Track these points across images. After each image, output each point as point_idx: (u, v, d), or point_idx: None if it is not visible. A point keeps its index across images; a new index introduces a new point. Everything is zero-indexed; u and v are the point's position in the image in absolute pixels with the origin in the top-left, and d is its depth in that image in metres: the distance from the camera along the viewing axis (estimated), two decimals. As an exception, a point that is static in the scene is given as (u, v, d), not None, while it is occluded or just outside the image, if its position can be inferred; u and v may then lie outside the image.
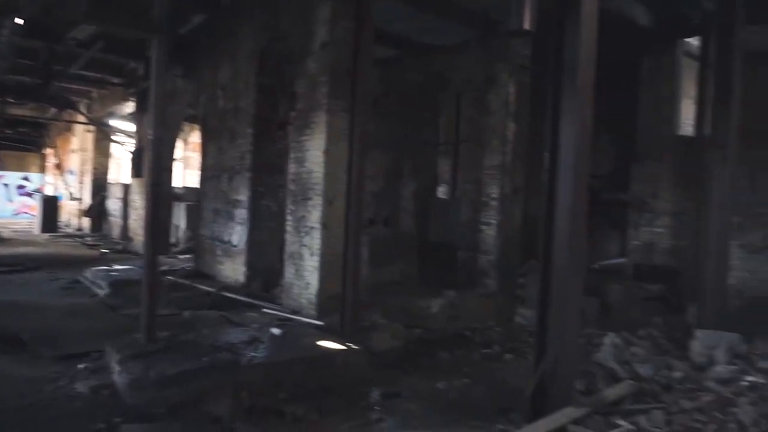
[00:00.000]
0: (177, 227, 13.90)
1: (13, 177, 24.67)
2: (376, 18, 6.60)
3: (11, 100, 13.16)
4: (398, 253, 9.04)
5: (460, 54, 9.79)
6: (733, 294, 7.78)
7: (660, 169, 10.34)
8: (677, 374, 4.82)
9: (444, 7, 8.50)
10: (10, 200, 24.49)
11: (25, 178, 25.02)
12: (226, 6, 9.61)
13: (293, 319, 6.59)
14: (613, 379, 4.81)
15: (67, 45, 10.83)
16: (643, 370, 4.80)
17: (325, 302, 6.74)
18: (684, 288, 9.50)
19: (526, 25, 7.22)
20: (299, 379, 4.83)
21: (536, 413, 4.18)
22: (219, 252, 9.47)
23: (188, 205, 13.79)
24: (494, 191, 8.94)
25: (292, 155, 7.56)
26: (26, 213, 23.64)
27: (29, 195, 24.46)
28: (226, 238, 9.26)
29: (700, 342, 5.69)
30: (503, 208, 8.89)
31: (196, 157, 21.50)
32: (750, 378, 4.40)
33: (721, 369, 4.88)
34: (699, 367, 5.25)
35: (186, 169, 20.94)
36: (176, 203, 14.03)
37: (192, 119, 18.12)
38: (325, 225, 6.82)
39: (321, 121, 6.94)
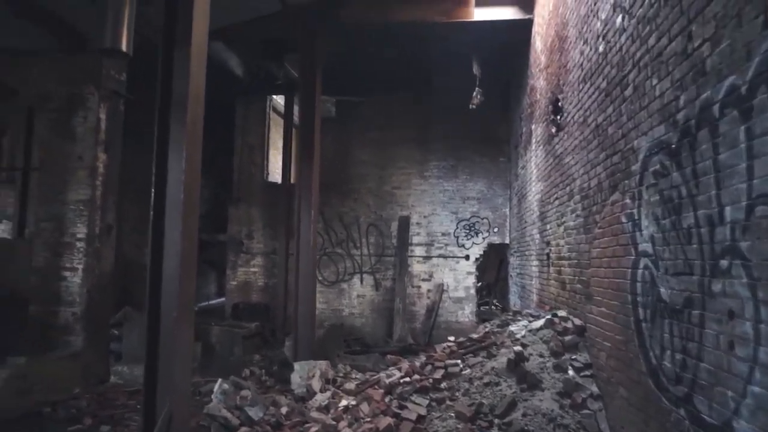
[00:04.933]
0: None
1: None
2: None
3: None
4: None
5: (36, 64, 8.18)
6: (317, 324, 8.82)
7: (254, 212, 11.06)
8: (284, 410, 4.99)
9: None
10: None
11: None
12: None
13: None
14: (227, 429, 4.61)
15: None
16: (254, 412, 4.78)
17: None
18: (277, 322, 10.31)
19: (123, 47, 6.64)
20: None
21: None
22: None
23: None
24: (81, 230, 7.69)
25: None
26: None
27: None
28: None
29: (297, 373, 6.12)
30: (92, 250, 7.71)
31: None
32: (344, 402, 4.94)
33: (319, 397, 5.33)
34: (301, 398, 5.61)
35: None
36: None
37: None
38: None
39: None
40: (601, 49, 4.14)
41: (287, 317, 10.24)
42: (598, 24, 4.20)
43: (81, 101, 7.92)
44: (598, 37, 4.21)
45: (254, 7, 8.17)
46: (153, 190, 4.17)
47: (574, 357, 4.10)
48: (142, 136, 8.72)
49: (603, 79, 4.05)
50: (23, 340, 7.53)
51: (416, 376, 4.78)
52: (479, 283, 10.54)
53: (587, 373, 3.93)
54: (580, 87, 4.76)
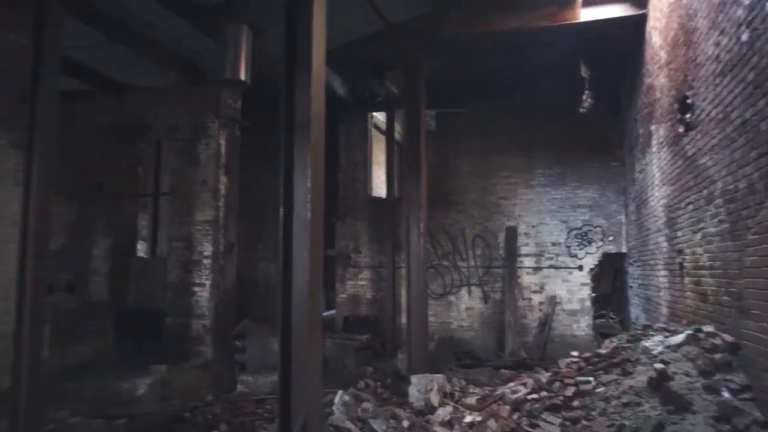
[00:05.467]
0: None
1: None
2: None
3: None
4: (88, 327, 7.40)
5: (164, 98, 9.00)
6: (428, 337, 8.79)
7: (359, 227, 11.32)
8: (405, 423, 5.02)
9: (145, 43, 7.68)
10: None
11: None
12: None
13: None
14: (352, 440, 4.71)
15: None
16: (377, 425, 4.84)
17: (-21, 406, 4.91)
18: (386, 335, 10.42)
19: (242, 76, 7.11)
20: None
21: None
22: None
23: None
24: (207, 248, 8.28)
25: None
26: None
27: None
28: None
29: (414, 387, 6.13)
30: (217, 267, 8.28)
31: None
32: (468, 418, 4.87)
33: (441, 412, 5.30)
34: (420, 412, 5.61)
35: None
36: None
37: None
38: (-18, 297, 5.06)
39: (-24, 158, 5.26)
40: (744, 38, 3.78)
41: (396, 330, 10.33)
42: (740, 11, 3.85)
43: (203, 129, 8.59)
44: (740, 25, 3.85)
45: (357, 29, 8.45)
46: (282, 209, 4.38)
47: (728, 377, 3.73)
48: (250, 159, 9.31)
49: (750, 71, 3.69)
50: (162, 350, 8.23)
51: (544, 393, 4.60)
52: (594, 295, 9.99)
53: (746, 396, 3.55)
54: (717, 81, 4.38)
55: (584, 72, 8.48)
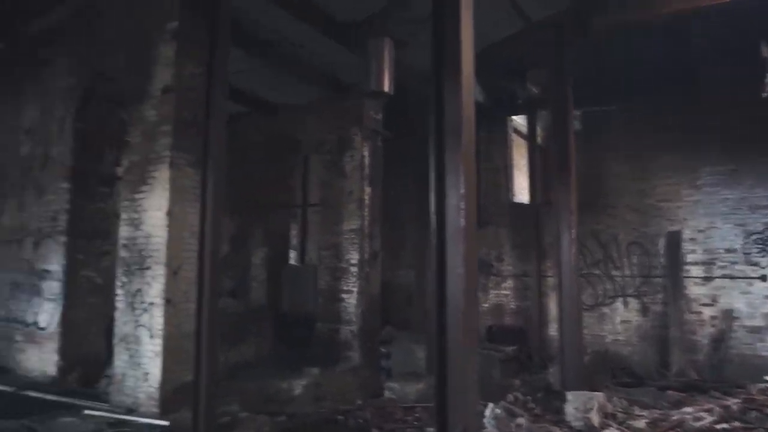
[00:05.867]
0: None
1: None
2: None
3: None
4: (250, 329, 8.04)
5: (311, 114, 9.53)
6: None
7: (501, 234, 10.99)
8: (566, 443, 4.70)
9: (292, 62, 8.19)
10: None
11: None
12: (33, 35, 8.11)
13: (128, 421, 5.25)
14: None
15: None
16: (535, 443, 4.60)
17: (171, 395, 5.53)
18: (533, 346, 9.96)
19: (385, 88, 7.26)
20: None
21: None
22: (19, 337, 7.48)
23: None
24: (353, 257, 8.57)
25: (124, 216, 6.32)
26: None
27: None
28: (29, 320, 7.37)
29: (571, 404, 5.74)
30: (363, 275, 8.54)
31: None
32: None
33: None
34: (581, 432, 5.24)
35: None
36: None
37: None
38: (168, 300, 5.70)
39: (162, 176, 5.94)
40: None
41: (544, 342, 9.83)
42: None
43: (348, 142, 8.93)
44: None
45: (497, 32, 8.21)
46: (434, 217, 4.33)
47: None
48: (388, 167, 9.47)
49: None
50: (313, 354, 8.67)
51: (737, 424, 4.00)
52: (782, 309, 8.61)
53: None
54: None
55: (766, 52, 7.41)
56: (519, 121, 12.08)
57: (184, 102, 6.08)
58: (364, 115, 8.82)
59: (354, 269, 8.52)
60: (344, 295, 8.55)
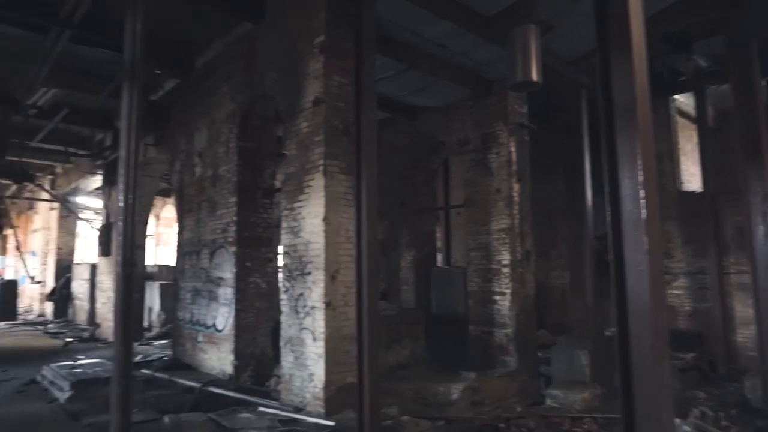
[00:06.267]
0: (150, 309, 12.63)
1: (-31, 261, 23.44)
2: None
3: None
4: (403, 331, 8.06)
5: (454, 114, 9.37)
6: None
7: (669, 227, 9.85)
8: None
9: (434, 64, 8.08)
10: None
11: (-17, 262, 23.68)
12: (199, 68, 9.02)
13: (298, 420, 5.50)
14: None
15: (26, 115, 10.01)
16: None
17: (334, 396, 5.70)
18: (715, 354, 8.75)
19: (534, 77, 6.82)
20: None
21: None
22: (201, 338, 8.32)
23: (162, 284, 12.63)
24: (505, 257, 8.22)
25: (284, 225, 6.69)
26: (-16, 300, 22.02)
27: (-12, 279, 23.08)
28: (209, 322, 8.15)
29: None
30: (516, 276, 8.14)
31: (168, 233, 20.44)
32: None
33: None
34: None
35: (158, 246, 19.79)
36: (149, 283, 12.85)
37: (163, 193, 17.27)
38: (328, 303, 5.89)
39: (318, 184, 6.18)
40: None
41: (730, 349, 8.58)
42: None
43: (493, 138, 8.61)
44: None
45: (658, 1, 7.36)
46: (609, 208, 3.90)
47: None
48: (533, 162, 8.93)
49: None
50: (466, 357, 8.47)
51: None
52: None
53: None
54: None
55: None
56: (682, 100, 10.78)
57: (334, 112, 6.28)
58: (508, 109, 8.46)
59: (506, 270, 8.16)
60: (497, 297, 8.23)
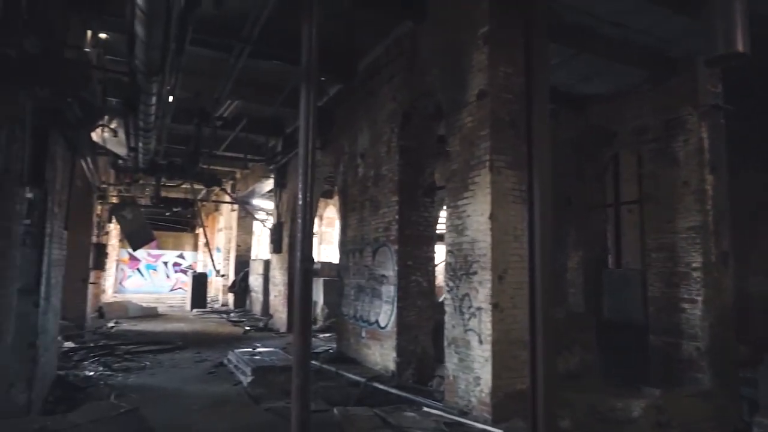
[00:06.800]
0: (315, 304, 13.46)
1: (170, 255, 27.99)
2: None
3: (165, 181, 14.09)
4: (572, 338, 7.47)
5: (628, 101, 8.46)
6: None
7: None
8: None
9: (609, 45, 7.32)
10: (168, 277, 27.80)
11: (180, 256, 28.15)
12: (361, 71, 9.27)
13: (464, 423, 5.33)
14: None
15: (214, 127, 11.26)
16: None
17: (502, 403, 5.42)
18: None
19: (740, 47, 5.80)
20: None
21: None
22: (364, 334, 8.57)
23: (325, 280, 13.37)
24: (695, 259, 7.19)
25: (448, 223, 6.56)
26: (180, 289, 26.32)
27: (183, 272, 27.44)
28: (372, 319, 8.37)
29: None
30: (710, 281, 7.07)
31: (330, 232, 21.72)
32: None
33: None
34: None
35: (321, 244, 21.10)
36: (313, 278, 13.72)
37: (325, 194, 18.34)
38: (495, 305, 5.62)
39: (483, 180, 5.92)
40: None
41: None
42: None
43: (679, 125, 7.59)
44: None
45: None
46: None
47: None
48: (742, 148, 7.64)
49: None
50: (645, 370, 7.58)
51: None
52: None
53: None
54: None
55: None
56: None
57: (500, 104, 6.00)
58: (699, 90, 7.39)
59: (697, 274, 7.14)
60: (684, 305, 7.24)
